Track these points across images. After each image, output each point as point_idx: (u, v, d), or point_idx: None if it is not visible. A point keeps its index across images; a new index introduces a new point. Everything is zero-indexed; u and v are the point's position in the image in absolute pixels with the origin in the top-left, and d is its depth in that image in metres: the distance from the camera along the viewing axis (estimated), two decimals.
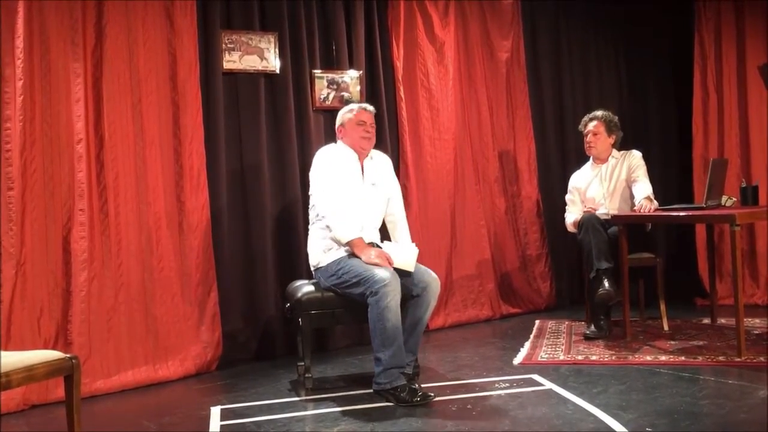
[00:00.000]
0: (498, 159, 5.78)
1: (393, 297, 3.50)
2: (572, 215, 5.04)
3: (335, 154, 3.89)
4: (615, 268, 4.50)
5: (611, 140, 4.97)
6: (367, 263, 3.60)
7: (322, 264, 3.78)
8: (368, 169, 3.94)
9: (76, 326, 3.91)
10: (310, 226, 3.94)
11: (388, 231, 4.09)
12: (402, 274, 3.65)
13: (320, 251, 3.81)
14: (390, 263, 3.62)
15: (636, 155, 4.91)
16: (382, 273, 3.53)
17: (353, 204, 3.78)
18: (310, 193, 3.94)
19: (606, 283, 4.41)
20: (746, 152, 5.84)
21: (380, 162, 4.04)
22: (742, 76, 5.86)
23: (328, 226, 3.74)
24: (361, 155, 3.94)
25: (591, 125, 4.98)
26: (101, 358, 3.99)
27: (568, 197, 5.17)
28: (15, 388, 2.62)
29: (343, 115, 3.98)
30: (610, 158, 4.98)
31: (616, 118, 5.03)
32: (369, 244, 3.77)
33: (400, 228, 4.07)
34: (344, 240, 3.68)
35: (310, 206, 3.95)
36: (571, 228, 5.04)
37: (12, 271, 3.70)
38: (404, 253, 3.74)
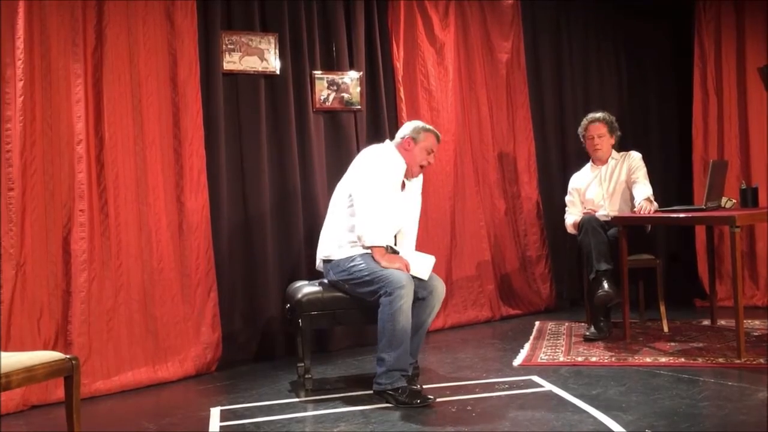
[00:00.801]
0: (498, 160, 5.79)
1: (406, 300, 3.50)
2: (572, 216, 5.05)
3: (394, 160, 3.79)
4: (615, 270, 4.50)
5: (612, 141, 4.98)
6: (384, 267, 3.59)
7: (334, 258, 3.74)
8: (408, 185, 3.93)
9: (76, 327, 3.91)
10: (328, 217, 3.88)
11: (395, 238, 4.08)
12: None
13: (335, 245, 3.75)
14: (407, 270, 3.61)
15: (636, 156, 4.91)
16: (399, 275, 3.53)
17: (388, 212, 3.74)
18: (343, 183, 3.83)
19: (605, 285, 4.41)
20: (746, 154, 5.85)
21: (418, 180, 4.02)
22: (742, 78, 5.86)
23: (361, 221, 3.63)
24: (409, 173, 3.89)
25: (595, 127, 4.97)
26: (101, 359, 3.99)
27: (567, 198, 5.17)
28: (15, 388, 2.62)
29: (420, 130, 3.88)
30: (609, 159, 4.98)
31: (614, 118, 5.04)
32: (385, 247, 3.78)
33: (409, 239, 3.99)
34: (370, 242, 3.61)
35: (336, 195, 3.86)
36: (570, 229, 5.04)
37: (12, 271, 3.70)
38: (422, 262, 3.73)
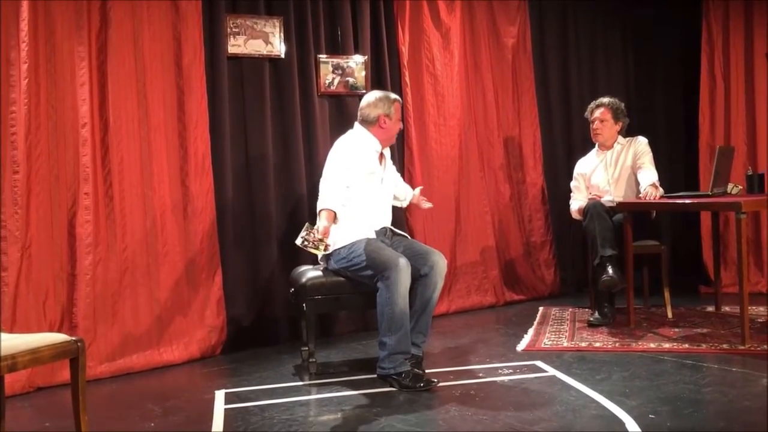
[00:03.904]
0: (503, 145, 5.77)
1: (403, 283, 3.51)
2: (577, 202, 5.03)
3: (359, 142, 3.86)
4: (619, 256, 4.49)
5: (618, 127, 4.96)
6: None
7: (336, 246, 3.74)
8: (386, 156, 4.02)
9: (81, 309, 3.93)
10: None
11: (397, 197, 4.23)
12: (409, 255, 3.65)
13: (334, 235, 3.77)
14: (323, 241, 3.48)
15: (642, 141, 4.89)
16: (394, 258, 3.54)
17: (369, 192, 3.82)
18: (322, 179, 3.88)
19: (610, 270, 4.40)
20: (753, 140, 5.81)
21: (388, 149, 4.10)
22: (750, 64, 5.82)
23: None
24: (389, 143, 4.00)
25: (598, 112, 4.95)
26: (106, 342, 4.01)
27: (573, 184, 5.15)
28: (20, 370, 2.63)
29: (389, 105, 3.90)
30: (615, 144, 4.96)
31: (623, 104, 5.01)
32: (382, 229, 3.86)
33: (404, 184, 4.28)
34: (319, 208, 3.60)
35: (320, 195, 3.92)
36: (576, 215, 5.03)
37: (17, 254, 3.71)
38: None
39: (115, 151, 4.11)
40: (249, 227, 4.65)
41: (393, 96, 3.99)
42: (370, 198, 3.83)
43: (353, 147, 3.83)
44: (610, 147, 4.96)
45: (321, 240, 3.38)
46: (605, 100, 4.99)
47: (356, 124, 3.97)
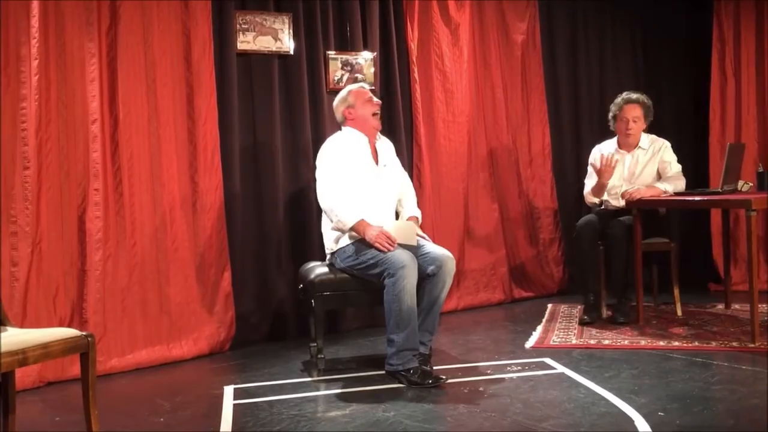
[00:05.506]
0: (512, 142, 5.75)
1: (410, 279, 3.51)
2: (591, 184, 4.85)
3: (343, 141, 3.87)
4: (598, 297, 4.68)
5: (644, 126, 4.78)
6: (372, 243, 3.59)
7: (341, 245, 3.76)
8: (380, 151, 3.96)
9: (91, 305, 3.95)
10: (324, 213, 3.92)
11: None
12: (417, 254, 3.65)
13: (340, 233, 3.77)
14: (393, 241, 3.60)
15: (668, 149, 4.74)
16: (400, 255, 3.53)
17: (365, 189, 3.79)
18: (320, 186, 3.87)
19: (586, 318, 4.62)
20: (764, 137, 5.78)
21: (387, 143, 4.08)
22: (761, 61, 5.77)
23: (328, 213, 3.75)
24: (372, 137, 3.94)
25: (631, 110, 4.71)
26: (116, 337, 4.02)
27: (589, 170, 4.95)
28: (31, 365, 2.66)
29: (346, 97, 3.93)
30: (637, 149, 4.78)
31: (651, 102, 4.82)
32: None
33: (409, 203, 4.07)
34: (348, 226, 3.66)
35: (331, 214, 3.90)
36: (589, 198, 4.89)
37: (28, 249, 3.73)
38: (403, 229, 3.74)
39: (125, 146, 4.12)
40: (257, 223, 4.66)
41: (350, 87, 3.99)
42: (371, 196, 3.81)
43: (335, 150, 3.82)
44: (633, 147, 4.79)
45: (390, 240, 3.56)
46: (638, 96, 4.75)
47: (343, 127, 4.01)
